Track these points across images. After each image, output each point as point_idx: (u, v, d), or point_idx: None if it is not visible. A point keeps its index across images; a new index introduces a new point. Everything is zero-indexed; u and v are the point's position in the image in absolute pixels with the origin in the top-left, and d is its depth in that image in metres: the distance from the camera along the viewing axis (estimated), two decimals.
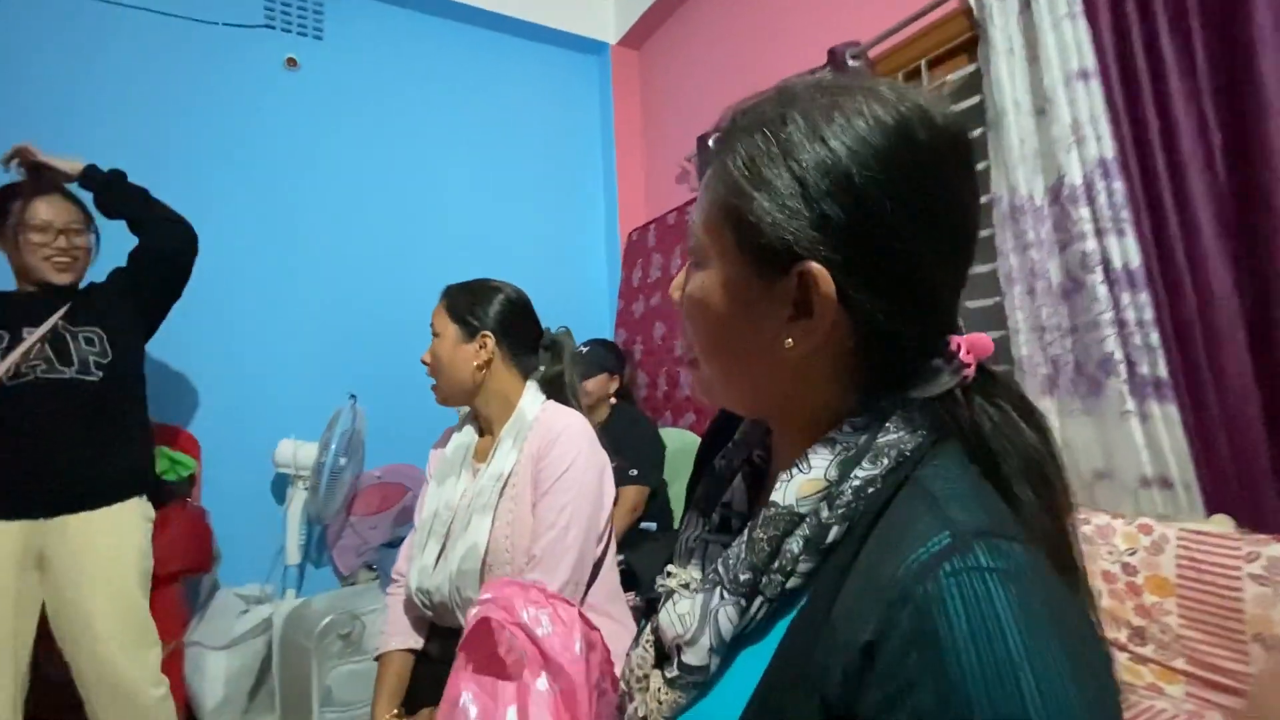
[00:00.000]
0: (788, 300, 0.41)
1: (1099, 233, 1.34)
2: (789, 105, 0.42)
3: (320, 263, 2.47)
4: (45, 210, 1.51)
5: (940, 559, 0.34)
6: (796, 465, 0.43)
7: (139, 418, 1.66)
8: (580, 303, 2.95)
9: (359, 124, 2.58)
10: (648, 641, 0.49)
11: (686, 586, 0.48)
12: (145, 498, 1.61)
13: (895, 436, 0.41)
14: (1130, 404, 1.31)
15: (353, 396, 2.33)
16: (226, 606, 2.08)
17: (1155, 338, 1.27)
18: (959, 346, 0.42)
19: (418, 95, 2.70)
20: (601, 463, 1.07)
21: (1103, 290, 1.33)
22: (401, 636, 1.08)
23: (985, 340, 0.42)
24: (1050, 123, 1.42)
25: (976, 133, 1.69)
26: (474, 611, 0.63)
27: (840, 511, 0.40)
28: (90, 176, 1.64)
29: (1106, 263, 1.33)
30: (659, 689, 0.45)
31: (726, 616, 0.42)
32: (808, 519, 0.41)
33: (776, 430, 0.50)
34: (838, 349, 0.42)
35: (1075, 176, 1.37)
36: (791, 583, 0.40)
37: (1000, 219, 1.56)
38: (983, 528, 0.35)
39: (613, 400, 2.20)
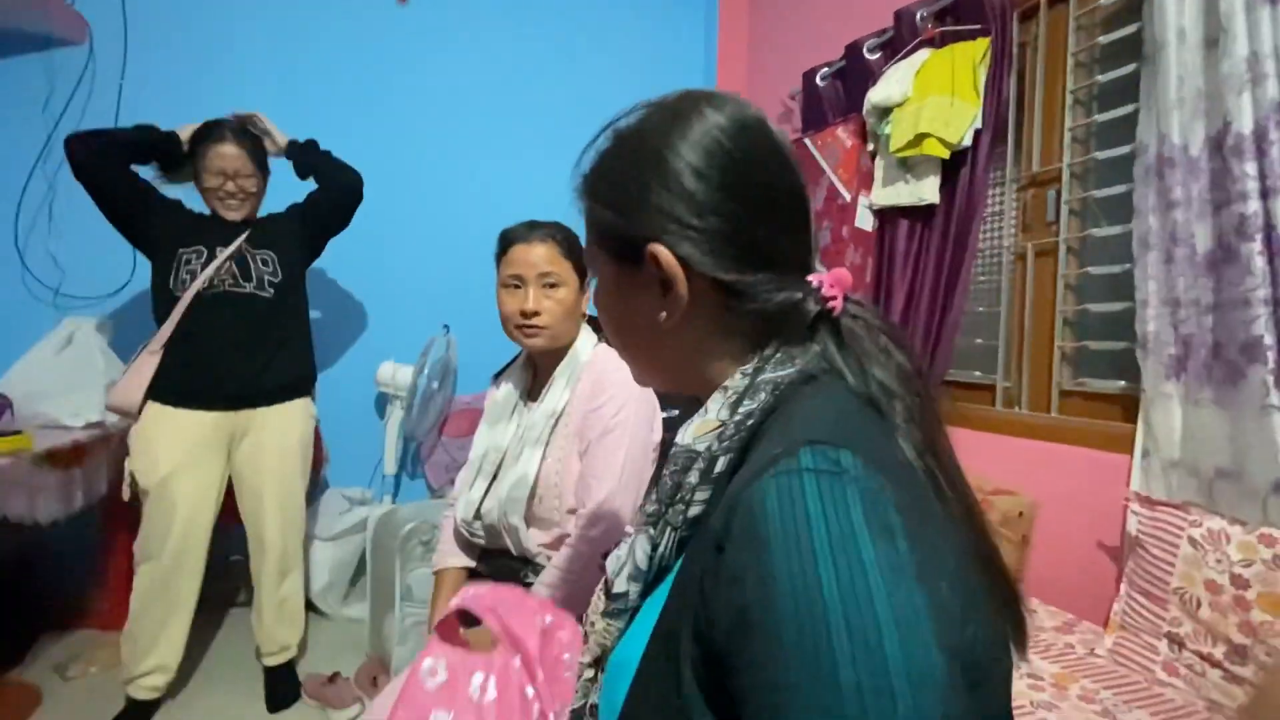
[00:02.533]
0: (654, 282, 0.48)
1: (1265, 193, 1.13)
2: (612, 137, 0.52)
3: (424, 196, 2.59)
4: (220, 158, 1.72)
5: (770, 465, 0.37)
6: (699, 413, 0.48)
7: (303, 330, 1.90)
8: None
9: (463, 58, 2.62)
10: (600, 592, 0.54)
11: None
12: (310, 398, 1.91)
13: (772, 374, 0.46)
14: (1275, 397, 1.12)
15: (445, 327, 2.48)
16: (333, 504, 2.34)
17: None
18: (820, 282, 0.48)
19: (520, 29, 2.69)
20: (651, 409, 1.07)
21: (1260, 262, 1.13)
22: (456, 556, 1.16)
23: (843, 273, 0.49)
24: (1222, 57, 1.19)
25: (1129, 69, 1.45)
26: (453, 602, 0.66)
27: (725, 444, 0.44)
28: (291, 151, 1.92)
29: (1270, 229, 1.12)
30: (602, 624, 0.50)
31: (641, 547, 0.48)
32: (702, 454, 0.45)
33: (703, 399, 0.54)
34: (713, 312, 0.48)
35: (1245, 123, 1.15)
36: (693, 511, 0.45)
37: (1142, 172, 1.35)
38: (814, 437, 0.38)
39: None
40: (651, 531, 0.47)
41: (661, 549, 0.46)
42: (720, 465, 0.44)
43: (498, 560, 1.10)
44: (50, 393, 1.95)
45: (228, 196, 1.74)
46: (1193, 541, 1.17)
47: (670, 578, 0.46)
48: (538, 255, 1.10)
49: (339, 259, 2.47)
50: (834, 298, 0.47)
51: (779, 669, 0.33)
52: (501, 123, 2.69)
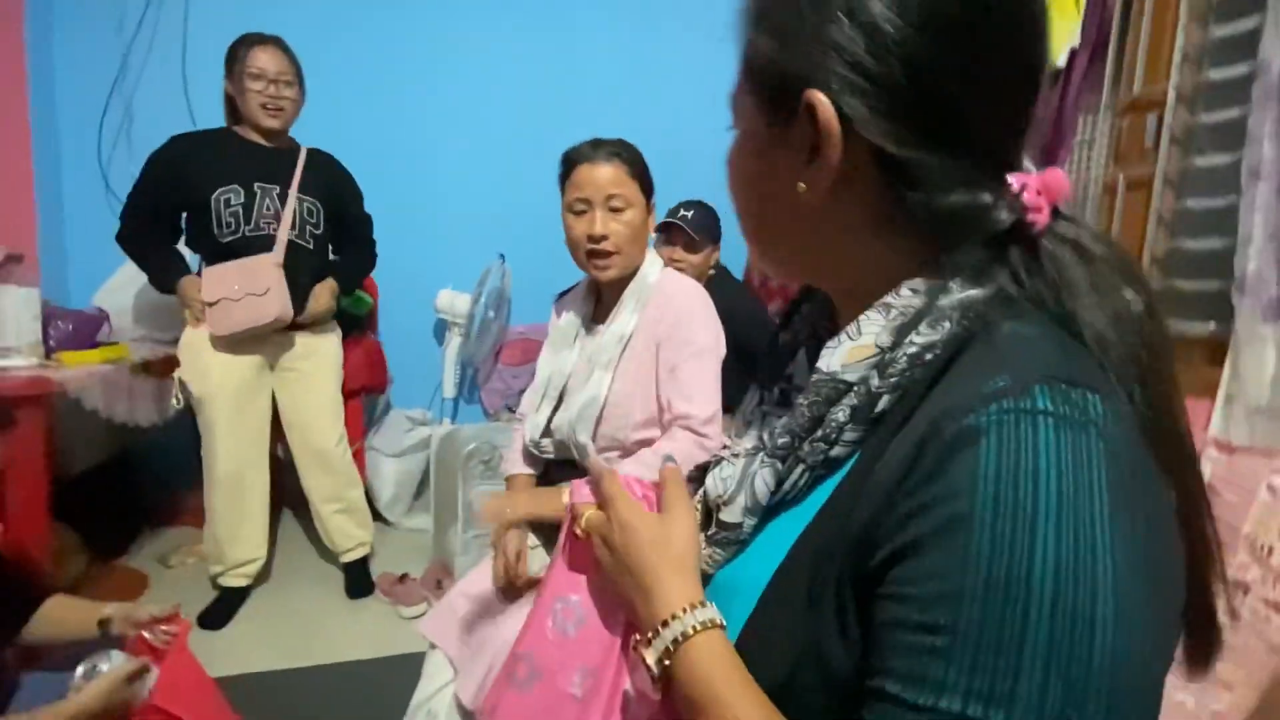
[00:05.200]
0: (805, 145, 0.37)
1: None
2: None
3: (480, 128, 2.59)
4: (262, 59, 1.69)
5: (989, 399, 0.30)
6: (847, 332, 0.39)
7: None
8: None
9: None
10: (697, 504, 0.49)
11: (737, 456, 0.47)
12: (337, 325, 2.01)
13: (961, 297, 0.36)
14: None
15: (501, 256, 2.51)
16: (396, 423, 2.47)
17: None
18: (1022, 185, 0.36)
19: None
20: (718, 329, 1.11)
21: None
22: (523, 466, 1.22)
23: (1058, 178, 0.36)
24: None
25: None
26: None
27: (892, 380, 0.36)
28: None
29: None
30: (705, 550, 0.46)
31: (763, 480, 0.42)
32: (855, 388, 0.38)
33: (837, 301, 0.46)
34: (867, 197, 0.38)
35: None
36: (836, 451, 0.39)
37: (1261, 95, 1.23)
38: (1051, 372, 0.31)
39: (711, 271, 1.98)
40: (779, 466, 0.41)
41: (787, 485, 0.41)
42: (883, 405, 0.37)
43: (563, 471, 1.16)
44: (141, 308, 2.08)
45: (269, 101, 1.70)
46: (1272, 489, 1.13)
47: (799, 509, 0.41)
48: (603, 176, 1.07)
49: (400, 187, 2.51)
50: (1038, 209, 0.36)
51: (949, 617, 0.28)
52: (561, 46, 2.62)
